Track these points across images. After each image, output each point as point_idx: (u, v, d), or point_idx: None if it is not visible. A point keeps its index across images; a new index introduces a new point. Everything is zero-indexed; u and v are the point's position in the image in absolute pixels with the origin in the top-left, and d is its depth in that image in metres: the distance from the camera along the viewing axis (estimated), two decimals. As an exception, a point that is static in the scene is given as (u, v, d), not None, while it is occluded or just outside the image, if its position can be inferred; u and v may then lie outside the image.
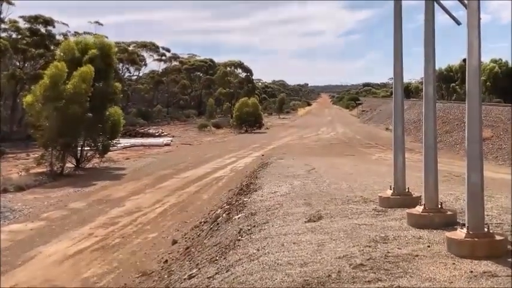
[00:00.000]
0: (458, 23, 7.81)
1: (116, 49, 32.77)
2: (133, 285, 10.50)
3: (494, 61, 66.55)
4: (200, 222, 14.54)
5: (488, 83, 61.87)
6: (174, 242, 13.23)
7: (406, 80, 9.97)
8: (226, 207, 13.85)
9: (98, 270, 11.73)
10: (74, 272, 11.58)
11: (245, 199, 13.00)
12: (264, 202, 11.47)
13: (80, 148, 28.51)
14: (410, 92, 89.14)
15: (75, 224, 15.96)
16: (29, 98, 26.19)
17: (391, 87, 10.60)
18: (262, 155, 30.62)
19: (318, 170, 17.29)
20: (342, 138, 48.08)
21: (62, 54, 28.82)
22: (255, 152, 35.58)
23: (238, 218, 10.77)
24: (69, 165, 27.43)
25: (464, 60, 6.62)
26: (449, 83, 76.39)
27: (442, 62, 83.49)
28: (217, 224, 12.01)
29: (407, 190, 9.34)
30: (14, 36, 48.17)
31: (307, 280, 5.60)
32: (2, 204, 18.16)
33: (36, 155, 28.27)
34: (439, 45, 7.98)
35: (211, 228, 12.08)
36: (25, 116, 28.92)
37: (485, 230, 6.37)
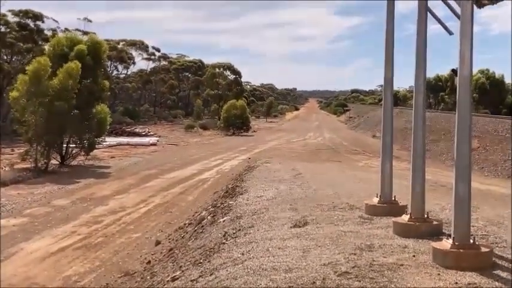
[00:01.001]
0: (450, 33, 7.82)
1: (106, 46, 32.42)
2: (116, 286, 10.40)
3: (481, 72, 66.87)
4: (184, 224, 14.45)
5: (475, 94, 62.02)
6: (158, 243, 13.14)
7: (394, 87, 9.88)
8: (212, 209, 13.78)
9: (79, 268, 11.62)
10: (55, 270, 11.46)
11: (231, 202, 12.95)
12: (249, 206, 11.43)
13: (65, 145, 28.28)
14: (399, 99, 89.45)
15: (58, 221, 15.80)
16: (14, 93, 25.91)
17: (379, 95, 10.55)
18: (249, 158, 30.58)
19: (305, 175, 17.29)
20: (329, 143, 48.06)
21: (51, 49, 28.60)
22: (241, 154, 35.51)
23: (224, 221, 10.71)
24: (54, 161, 27.21)
25: (452, 70, 6.60)
26: (437, 93, 76.74)
27: (430, 72, 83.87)
28: (202, 226, 11.94)
29: (394, 198, 9.29)
30: (2, 29, 47.74)
31: (292, 286, 5.57)
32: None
33: (21, 151, 28.02)
34: (428, 56, 7.96)
35: (195, 230, 12.01)
36: (11, 111, 28.61)
37: (471, 241, 6.36)
